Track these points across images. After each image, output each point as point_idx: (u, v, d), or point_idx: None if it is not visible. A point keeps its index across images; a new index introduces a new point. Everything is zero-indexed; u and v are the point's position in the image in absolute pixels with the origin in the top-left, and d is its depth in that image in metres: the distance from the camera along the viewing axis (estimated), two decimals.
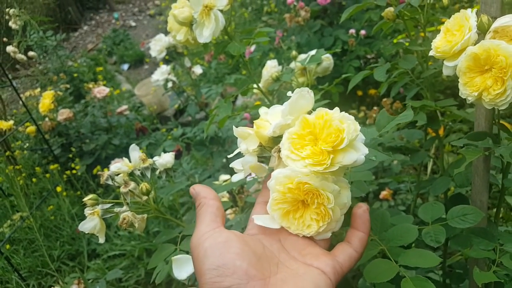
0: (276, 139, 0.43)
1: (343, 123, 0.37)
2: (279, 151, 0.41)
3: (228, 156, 0.48)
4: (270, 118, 0.44)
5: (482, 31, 0.49)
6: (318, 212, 0.38)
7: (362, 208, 0.40)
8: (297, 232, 0.39)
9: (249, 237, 0.39)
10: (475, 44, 0.47)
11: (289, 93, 0.42)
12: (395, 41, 1.73)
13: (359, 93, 1.90)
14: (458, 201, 0.75)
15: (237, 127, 0.44)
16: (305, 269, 0.36)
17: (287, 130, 0.39)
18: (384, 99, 1.30)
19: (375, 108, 1.29)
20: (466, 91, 0.48)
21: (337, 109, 0.38)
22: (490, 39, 0.46)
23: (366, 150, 0.38)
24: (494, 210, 0.68)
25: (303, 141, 0.38)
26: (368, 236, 0.41)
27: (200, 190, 0.42)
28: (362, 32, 1.78)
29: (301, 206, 0.39)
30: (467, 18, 0.49)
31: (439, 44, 0.51)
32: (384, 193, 1.35)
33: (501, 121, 0.79)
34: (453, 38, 0.49)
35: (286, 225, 0.39)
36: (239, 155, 0.47)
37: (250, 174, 0.45)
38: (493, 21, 0.48)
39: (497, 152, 0.54)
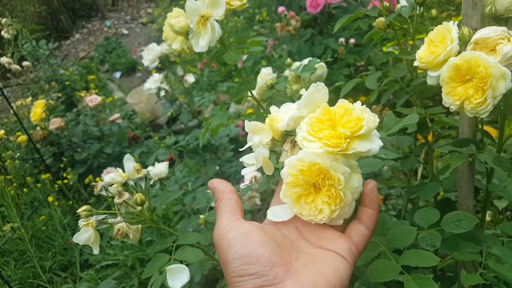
0: (286, 135, 0.45)
1: (363, 113, 0.39)
2: (291, 142, 0.43)
3: (240, 150, 0.50)
4: (282, 114, 0.46)
5: (463, 43, 0.51)
6: (330, 195, 0.38)
7: (369, 186, 0.42)
8: (309, 218, 0.40)
9: (268, 227, 0.40)
10: (457, 55, 0.49)
11: (302, 91, 0.44)
12: (384, 49, 1.76)
13: (350, 100, 1.91)
14: (446, 205, 0.77)
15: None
16: (324, 254, 0.38)
17: (307, 115, 0.41)
18: (374, 106, 1.32)
19: None
20: (449, 100, 0.50)
21: (358, 102, 0.41)
22: (471, 51, 0.48)
23: (380, 143, 0.40)
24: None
25: (322, 125, 0.40)
26: (378, 213, 0.42)
27: (217, 185, 0.44)
28: (352, 40, 1.81)
29: (313, 190, 0.40)
30: (449, 30, 0.51)
31: (422, 55, 0.53)
32: None
33: (487, 127, 0.81)
34: (436, 49, 0.51)
35: (298, 211, 0.40)
36: (247, 151, 0.49)
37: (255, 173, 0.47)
38: (474, 33, 0.50)
39: (480, 158, 0.56)
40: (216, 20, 0.63)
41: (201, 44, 0.63)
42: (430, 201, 1.08)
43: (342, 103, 0.40)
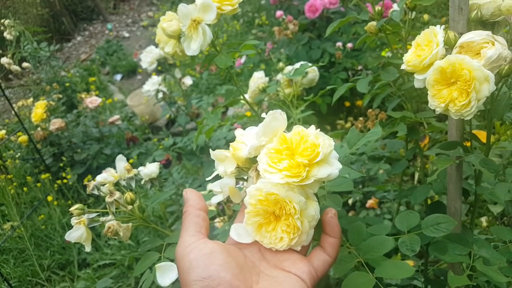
0: (252, 160, 0.44)
1: (318, 138, 0.39)
2: (256, 170, 0.42)
3: (206, 179, 0.49)
4: (246, 139, 0.45)
5: (449, 46, 0.52)
6: (288, 224, 0.39)
7: (329, 214, 0.42)
8: (270, 246, 0.40)
9: (232, 247, 0.40)
10: (442, 59, 0.50)
11: (263, 115, 0.43)
12: (383, 53, 1.77)
13: (347, 104, 1.94)
14: (437, 208, 0.77)
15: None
16: (284, 277, 0.38)
17: (266, 146, 0.41)
18: (370, 110, 1.32)
19: (360, 118, 1.32)
20: (434, 103, 0.50)
21: (312, 126, 0.40)
22: (456, 54, 0.49)
23: (339, 165, 0.40)
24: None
25: (280, 156, 0.40)
26: (340, 240, 0.42)
27: (190, 197, 0.43)
28: (349, 45, 1.83)
29: (273, 219, 0.40)
30: (435, 34, 0.52)
31: (409, 58, 0.54)
32: (370, 202, 1.37)
33: (479, 131, 0.82)
34: (422, 53, 0.52)
35: (260, 239, 0.41)
36: (218, 176, 0.48)
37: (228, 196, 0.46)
38: (460, 37, 0.51)
39: (468, 160, 0.57)
40: (208, 25, 0.64)
41: (193, 47, 0.64)
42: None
43: (297, 129, 0.40)
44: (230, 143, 0.45)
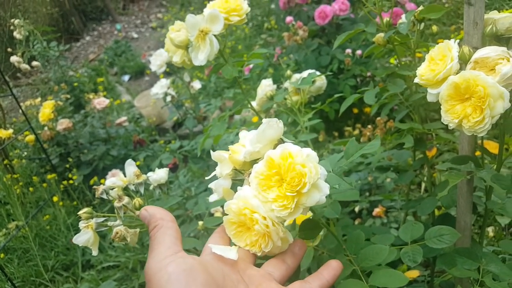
0: (251, 163, 0.44)
1: (305, 167, 0.38)
2: (249, 175, 0.43)
3: (206, 178, 0.50)
4: (247, 142, 0.45)
5: (463, 61, 0.51)
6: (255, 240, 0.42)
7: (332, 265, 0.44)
8: (237, 243, 0.43)
9: (211, 265, 0.38)
10: (456, 74, 0.49)
11: (263, 120, 0.43)
12: (392, 60, 1.76)
13: (355, 110, 1.93)
14: (445, 221, 0.77)
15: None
16: None
17: (254, 166, 0.41)
18: (378, 118, 1.31)
19: (369, 126, 1.31)
20: (448, 118, 0.50)
21: (298, 149, 0.39)
22: (470, 70, 0.49)
23: (327, 190, 0.40)
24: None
25: (270, 182, 0.40)
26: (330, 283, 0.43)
27: (155, 212, 0.41)
28: (358, 52, 1.82)
29: (245, 229, 0.42)
30: (450, 48, 0.51)
31: (423, 72, 0.53)
32: (377, 210, 1.36)
33: (490, 142, 0.81)
34: (436, 67, 0.52)
35: (233, 239, 0.43)
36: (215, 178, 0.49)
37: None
38: (474, 52, 0.51)
39: (479, 176, 0.57)
40: (215, 35, 0.64)
41: (200, 58, 0.65)
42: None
43: (285, 152, 0.39)
44: (229, 146, 0.46)
